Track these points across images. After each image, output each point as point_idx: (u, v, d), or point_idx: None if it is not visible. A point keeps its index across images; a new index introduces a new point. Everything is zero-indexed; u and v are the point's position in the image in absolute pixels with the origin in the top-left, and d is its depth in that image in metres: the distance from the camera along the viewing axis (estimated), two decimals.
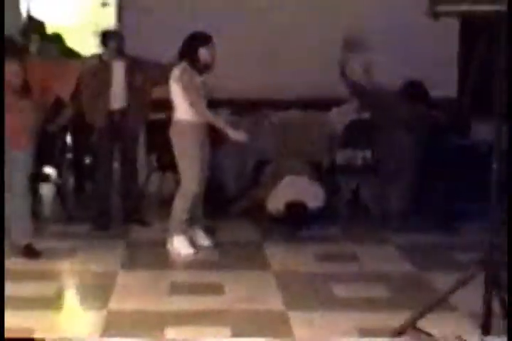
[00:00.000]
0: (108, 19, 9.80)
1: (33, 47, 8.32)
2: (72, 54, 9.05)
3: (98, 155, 7.82)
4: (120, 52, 7.63)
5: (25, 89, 6.37)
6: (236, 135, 6.83)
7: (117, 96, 7.59)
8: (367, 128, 8.08)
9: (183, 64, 6.83)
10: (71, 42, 9.73)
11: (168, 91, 6.92)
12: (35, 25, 8.86)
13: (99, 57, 7.72)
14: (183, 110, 6.85)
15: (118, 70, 7.60)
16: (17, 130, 6.45)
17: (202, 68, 6.84)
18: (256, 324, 5.20)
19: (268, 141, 8.25)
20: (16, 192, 6.68)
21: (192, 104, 6.76)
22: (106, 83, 7.55)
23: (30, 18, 9.01)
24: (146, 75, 7.59)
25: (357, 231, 7.70)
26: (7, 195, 6.65)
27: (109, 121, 7.58)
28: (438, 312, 4.76)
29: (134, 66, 7.62)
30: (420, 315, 4.69)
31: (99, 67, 7.59)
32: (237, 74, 8.78)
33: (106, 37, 7.68)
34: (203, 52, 6.80)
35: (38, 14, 9.80)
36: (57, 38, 9.04)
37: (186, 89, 6.77)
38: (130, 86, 7.61)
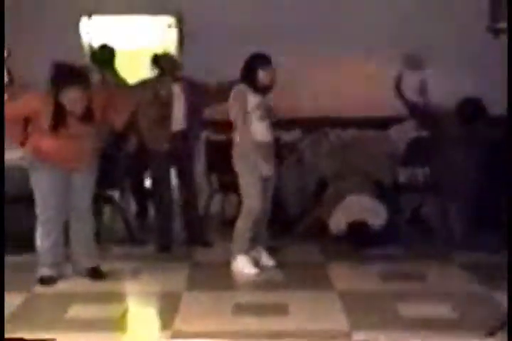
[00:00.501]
0: (170, 42, 9.86)
1: (96, 74, 8.39)
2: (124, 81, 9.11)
3: (159, 178, 7.80)
4: (177, 75, 7.66)
5: (88, 116, 6.41)
6: (265, 170, 6.88)
7: (177, 119, 7.60)
8: (427, 146, 8.00)
9: (241, 85, 6.85)
10: (132, 65, 9.85)
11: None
12: (106, 53, 8.94)
13: (157, 80, 7.72)
14: (242, 129, 6.86)
15: (176, 92, 7.61)
16: (80, 154, 6.51)
17: (261, 89, 6.83)
18: None
19: (329, 160, 8.19)
20: (80, 215, 6.74)
21: (236, 123, 6.81)
22: (166, 106, 7.56)
23: (103, 46, 9.06)
24: (201, 97, 7.60)
25: (420, 250, 7.63)
26: (72, 219, 6.73)
27: (170, 144, 7.58)
28: None
29: (190, 88, 7.63)
30: None
31: (158, 90, 7.59)
32: (299, 95, 8.80)
33: (162, 60, 7.71)
34: (261, 74, 6.81)
35: (98, 38, 9.94)
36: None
37: (234, 110, 6.83)
38: (188, 108, 7.61)
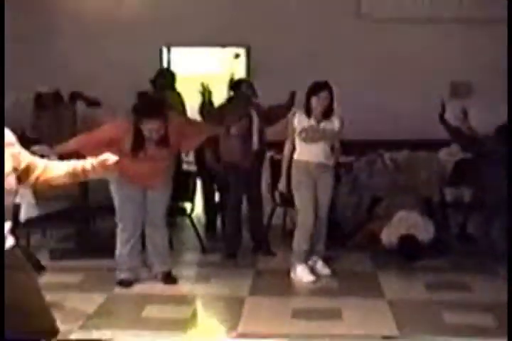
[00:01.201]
0: (238, 69, 9.94)
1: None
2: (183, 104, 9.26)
3: (235, 193, 7.81)
4: (253, 100, 7.77)
5: (164, 141, 6.53)
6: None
7: (254, 140, 7.71)
8: (472, 167, 7.99)
9: (295, 109, 6.95)
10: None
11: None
12: (167, 77, 9.07)
13: (237, 104, 7.83)
14: (297, 150, 6.97)
15: (254, 116, 7.71)
16: (155, 174, 6.64)
17: (315, 113, 6.91)
18: None
19: (382, 179, 8.23)
20: (156, 226, 6.84)
21: (287, 144, 6.90)
22: (249, 128, 7.66)
23: (166, 69, 9.16)
24: (267, 120, 7.71)
25: (466, 263, 7.52)
26: (148, 228, 6.86)
27: (248, 162, 7.70)
28: None
29: (261, 111, 7.73)
30: None
31: (241, 114, 7.66)
32: (356, 119, 8.84)
33: (244, 85, 7.82)
34: (314, 100, 6.86)
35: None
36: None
37: (287, 131, 6.93)
38: (260, 129, 7.73)
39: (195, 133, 6.94)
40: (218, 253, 7.90)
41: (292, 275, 7.00)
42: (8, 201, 3.53)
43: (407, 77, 9.54)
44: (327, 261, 7.28)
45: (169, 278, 6.88)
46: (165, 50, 10.12)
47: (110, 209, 6.86)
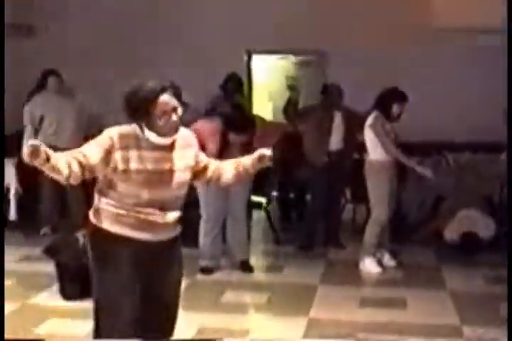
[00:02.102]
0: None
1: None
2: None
3: (316, 188, 7.82)
4: (339, 104, 7.75)
5: (246, 145, 6.55)
6: (424, 171, 6.83)
7: (337, 140, 7.69)
8: None
9: (376, 113, 6.89)
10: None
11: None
12: (235, 82, 8.99)
13: (323, 106, 7.81)
14: (375, 151, 6.91)
15: (337, 119, 7.69)
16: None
17: (392, 118, 6.88)
18: (434, 336, 5.16)
19: (446, 179, 8.12)
20: (237, 218, 6.90)
21: (385, 147, 6.80)
22: (328, 129, 7.66)
23: (235, 74, 9.13)
24: (355, 123, 7.63)
25: None
26: (229, 220, 6.91)
27: (328, 160, 7.68)
28: None
29: (348, 115, 7.70)
30: None
31: (326, 115, 7.66)
32: (423, 121, 8.76)
33: (331, 90, 7.80)
34: (396, 108, 6.82)
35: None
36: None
37: (378, 134, 6.82)
38: (346, 131, 7.70)
39: (271, 137, 6.96)
40: (292, 244, 7.89)
41: (361, 266, 6.99)
42: (180, 192, 3.69)
43: (473, 81, 9.35)
44: (393, 254, 7.24)
45: (247, 267, 6.94)
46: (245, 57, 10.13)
47: (194, 202, 6.89)
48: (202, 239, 6.86)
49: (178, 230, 3.81)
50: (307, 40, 9.39)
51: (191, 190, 6.78)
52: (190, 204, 7.26)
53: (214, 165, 3.94)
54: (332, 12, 9.43)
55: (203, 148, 6.42)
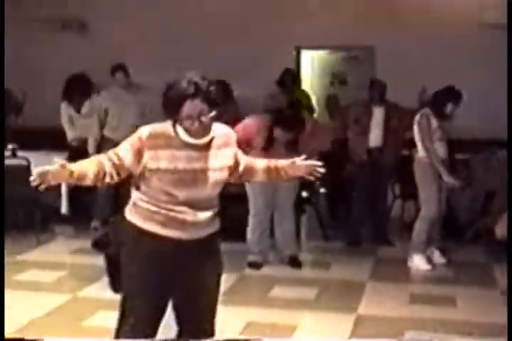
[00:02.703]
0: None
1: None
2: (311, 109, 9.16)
3: (359, 185, 7.81)
4: (382, 99, 7.68)
5: (292, 143, 6.52)
6: (449, 179, 6.75)
7: (376, 136, 7.64)
8: None
9: (425, 110, 6.83)
10: None
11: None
12: (291, 77, 8.97)
13: (365, 102, 7.79)
14: (423, 148, 6.83)
15: (378, 114, 7.64)
16: None
17: (444, 117, 6.79)
18: (483, 335, 5.08)
19: (496, 175, 8.00)
20: (284, 214, 6.90)
21: (423, 144, 6.77)
22: (368, 125, 7.62)
23: (290, 69, 9.09)
24: (401, 119, 7.57)
25: None
26: (277, 216, 6.90)
27: (368, 156, 7.66)
28: None
29: (392, 111, 7.65)
30: None
31: (365, 110, 7.65)
32: (475, 119, 8.65)
33: (375, 85, 7.75)
34: (450, 107, 6.75)
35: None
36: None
37: (421, 131, 6.79)
38: (387, 128, 7.64)
39: (318, 136, 6.94)
40: (340, 240, 7.88)
41: (410, 263, 6.94)
42: (214, 192, 3.62)
43: None
44: (443, 251, 7.17)
45: (295, 262, 6.93)
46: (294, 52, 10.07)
47: (243, 198, 6.92)
48: (250, 233, 6.88)
49: (213, 228, 3.71)
50: (355, 36, 9.32)
51: (240, 184, 6.87)
52: (237, 199, 7.36)
53: (245, 160, 3.87)
54: (380, 9, 9.35)
55: (249, 143, 6.47)
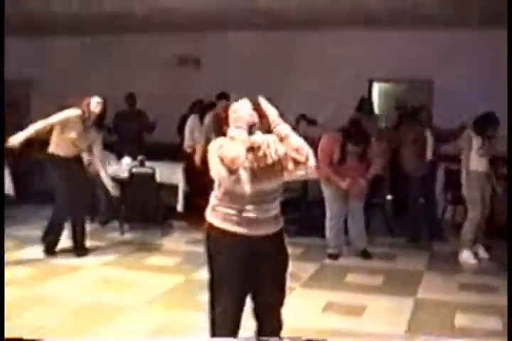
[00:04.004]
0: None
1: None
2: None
3: (414, 194, 7.83)
4: (430, 123, 7.73)
5: (363, 157, 6.68)
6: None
7: (428, 153, 7.68)
8: None
9: (468, 131, 6.83)
10: None
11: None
12: (367, 104, 8.98)
13: (416, 124, 7.81)
14: (467, 163, 6.82)
15: (428, 135, 7.69)
16: (355, 179, 6.73)
17: (484, 137, 6.75)
18: None
19: None
20: (356, 215, 6.94)
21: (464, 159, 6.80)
22: (423, 144, 7.66)
23: (368, 98, 9.14)
24: (441, 139, 7.65)
25: None
26: (350, 216, 6.95)
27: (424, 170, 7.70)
28: None
29: (437, 132, 7.69)
30: None
31: (421, 133, 7.68)
32: None
33: (424, 111, 7.79)
34: (491, 130, 6.73)
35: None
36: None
37: (463, 149, 6.81)
38: (433, 146, 7.69)
39: (383, 153, 7.02)
40: (402, 237, 7.87)
41: (459, 257, 6.91)
42: (274, 187, 3.52)
43: None
44: (488, 248, 7.11)
45: (366, 254, 6.98)
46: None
47: (319, 202, 7.03)
48: (328, 232, 6.94)
49: (279, 225, 3.61)
50: (418, 70, 9.31)
51: (317, 192, 6.98)
52: (315, 204, 7.49)
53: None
54: (440, 47, 9.31)
55: (331, 157, 6.59)
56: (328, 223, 6.93)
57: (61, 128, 6.43)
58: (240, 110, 3.41)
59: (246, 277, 3.53)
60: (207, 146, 3.57)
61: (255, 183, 3.46)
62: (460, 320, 5.02)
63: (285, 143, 3.40)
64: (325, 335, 4.55)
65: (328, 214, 6.91)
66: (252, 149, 3.48)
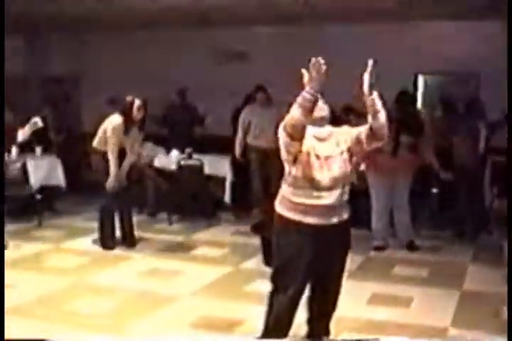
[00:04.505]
0: None
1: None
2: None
3: (460, 187, 7.68)
4: (483, 115, 7.59)
5: (413, 148, 6.65)
6: None
7: (481, 146, 7.53)
8: None
9: None
10: None
11: None
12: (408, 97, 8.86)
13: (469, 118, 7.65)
14: None
15: (481, 128, 7.51)
16: (404, 170, 6.73)
17: None
18: None
19: None
20: (401, 207, 6.90)
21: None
22: (476, 137, 7.50)
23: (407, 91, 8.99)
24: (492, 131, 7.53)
25: None
26: (395, 208, 6.91)
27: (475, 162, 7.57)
28: None
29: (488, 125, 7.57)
30: None
31: (474, 125, 7.50)
32: None
33: (474, 104, 7.69)
34: None
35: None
36: None
37: None
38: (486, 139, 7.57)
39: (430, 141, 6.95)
40: (448, 230, 7.78)
41: (503, 250, 6.78)
42: (343, 172, 3.59)
43: None
44: None
45: (412, 246, 6.92)
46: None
47: (365, 193, 6.96)
48: (374, 224, 6.92)
49: (346, 214, 3.69)
50: (463, 63, 9.15)
51: (363, 184, 6.95)
52: (362, 196, 7.44)
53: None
54: (485, 38, 9.14)
55: (381, 148, 6.54)
56: (374, 214, 6.91)
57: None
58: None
59: (312, 266, 3.62)
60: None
61: (326, 170, 3.53)
62: (506, 312, 4.89)
63: (373, 116, 3.43)
64: (370, 326, 4.59)
65: (374, 205, 6.89)
66: (322, 139, 3.59)
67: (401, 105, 7.33)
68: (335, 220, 3.60)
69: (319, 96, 3.33)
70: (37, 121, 6.07)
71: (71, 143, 9.96)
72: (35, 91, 11.42)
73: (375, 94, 3.42)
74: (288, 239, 3.60)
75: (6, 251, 6.34)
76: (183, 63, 10.26)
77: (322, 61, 3.20)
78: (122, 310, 4.96)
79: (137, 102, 6.57)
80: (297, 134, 3.38)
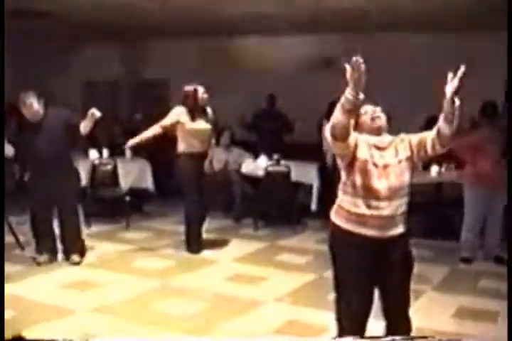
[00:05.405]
0: None
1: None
2: None
3: None
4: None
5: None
6: None
7: None
8: None
9: None
10: None
11: None
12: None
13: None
14: None
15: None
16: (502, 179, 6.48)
17: None
18: None
19: None
20: (495, 222, 6.68)
21: None
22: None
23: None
24: None
25: None
26: (489, 220, 6.69)
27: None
28: None
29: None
30: None
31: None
32: None
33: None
34: None
35: None
36: None
37: None
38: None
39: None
40: None
41: None
42: (402, 182, 3.52)
43: None
44: None
45: (501, 260, 6.68)
46: None
47: (456, 203, 6.80)
48: (464, 235, 6.74)
49: (403, 228, 3.57)
50: None
51: (455, 192, 6.78)
52: (451, 205, 7.28)
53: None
54: None
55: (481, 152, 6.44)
56: (465, 225, 6.74)
57: (179, 127, 6.71)
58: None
59: (370, 277, 3.55)
60: None
61: (384, 179, 3.46)
62: None
63: (447, 121, 3.35)
64: None
65: (467, 216, 6.70)
66: (381, 148, 3.53)
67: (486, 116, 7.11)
68: (392, 233, 3.52)
69: (362, 97, 3.19)
70: (94, 112, 6.11)
71: (163, 146, 10.17)
72: (127, 95, 11.80)
73: (457, 102, 3.32)
74: (343, 250, 3.58)
75: (91, 251, 6.56)
76: (275, 70, 10.36)
77: (361, 60, 3.12)
78: (208, 313, 5.05)
79: (200, 89, 6.71)
80: (339, 135, 3.32)
